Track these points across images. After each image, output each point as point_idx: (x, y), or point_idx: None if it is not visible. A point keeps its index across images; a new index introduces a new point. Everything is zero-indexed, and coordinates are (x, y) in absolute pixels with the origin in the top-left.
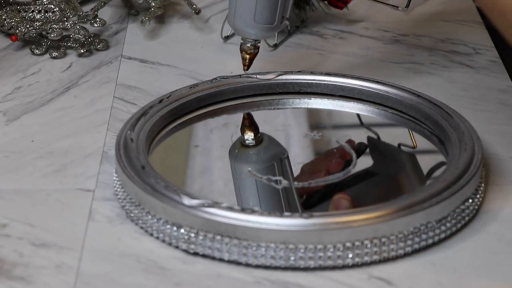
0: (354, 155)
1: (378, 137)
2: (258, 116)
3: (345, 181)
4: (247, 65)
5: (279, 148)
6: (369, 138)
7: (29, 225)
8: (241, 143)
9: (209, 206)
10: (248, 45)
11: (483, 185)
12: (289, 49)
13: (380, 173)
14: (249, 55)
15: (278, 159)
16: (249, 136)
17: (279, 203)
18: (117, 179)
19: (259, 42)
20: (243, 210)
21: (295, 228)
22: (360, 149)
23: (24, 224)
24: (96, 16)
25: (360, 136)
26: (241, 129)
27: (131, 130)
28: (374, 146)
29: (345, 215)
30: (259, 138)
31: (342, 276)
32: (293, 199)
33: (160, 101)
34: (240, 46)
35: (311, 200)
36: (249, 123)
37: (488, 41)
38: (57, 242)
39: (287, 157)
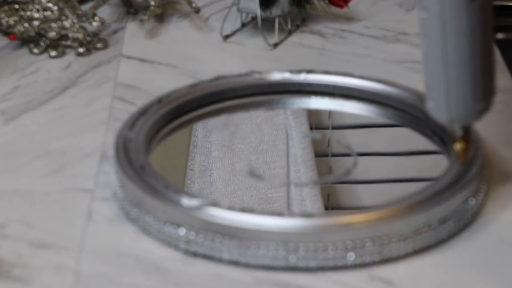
0: (355, 155)
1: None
2: (258, 116)
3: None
4: (465, 155)
5: None
6: None
7: (27, 225)
8: None
9: (209, 206)
10: (459, 132)
11: (484, 185)
12: (289, 48)
13: None
14: (465, 143)
15: None
16: None
17: None
18: (116, 179)
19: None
20: (243, 210)
21: (295, 228)
22: None
23: (23, 224)
24: (95, 15)
25: (360, 136)
26: None
27: (130, 129)
28: None
29: (346, 215)
30: None
31: (343, 277)
32: None
33: (160, 101)
34: (450, 137)
35: None
36: None
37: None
38: (56, 243)
39: None
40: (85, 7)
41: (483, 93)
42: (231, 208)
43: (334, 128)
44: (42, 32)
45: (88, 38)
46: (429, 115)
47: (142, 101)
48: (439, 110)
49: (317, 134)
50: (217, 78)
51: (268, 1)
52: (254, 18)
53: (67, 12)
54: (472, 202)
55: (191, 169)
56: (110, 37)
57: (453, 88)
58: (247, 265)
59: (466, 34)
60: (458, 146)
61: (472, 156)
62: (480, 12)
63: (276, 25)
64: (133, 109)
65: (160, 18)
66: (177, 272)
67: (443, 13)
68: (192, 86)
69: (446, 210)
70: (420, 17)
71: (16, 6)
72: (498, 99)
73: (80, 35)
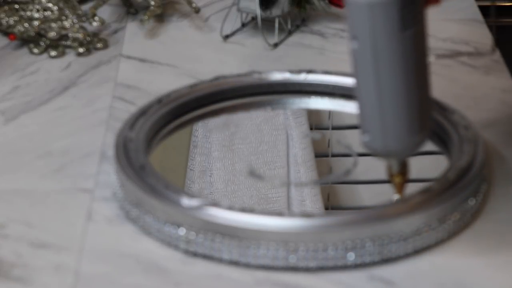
0: (355, 155)
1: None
2: (258, 116)
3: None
4: (403, 189)
5: None
6: None
7: (27, 226)
8: None
9: (209, 206)
10: (396, 167)
11: (485, 185)
12: (289, 48)
13: None
14: (403, 177)
15: None
16: None
17: None
18: (116, 179)
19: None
20: (243, 210)
21: (295, 228)
22: None
23: (23, 224)
24: (95, 15)
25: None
26: None
27: (130, 129)
28: None
29: (346, 215)
30: None
31: (343, 277)
32: None
33: (160, 101)
34: (388, 171)
35: None
36: None
37: (490, 40)
38: (56, 243)
39: None
40: (85, 7)
41: (419, 125)
42: (231, 208)
43: (334, 128)
44: (42, 32)
45: (88, 38)
46: (365, 149)
47: (142, 101)
48: (374, 144)
49: (317, 134)
50: (217, 78)
51: (268, 1)
52: (254, 18)
53: (67, 12)
54: (472, 202)
55: (191, 169)
56: (110, 37)
57: (388, 121)
58: (247, 265)
59: (399, 64)
60: (396, 180)
61: (472, 156)
62: (414, 41)
63: (276, 25)
64: (133, 109)
65: (160, 18)
66: (177, 272)
67: (375, 43)
68: (192, 86)
69: (446, 210)
70: (351, 47)
71: (16, 6)
72: (498, 99)
73: (80, 35)
